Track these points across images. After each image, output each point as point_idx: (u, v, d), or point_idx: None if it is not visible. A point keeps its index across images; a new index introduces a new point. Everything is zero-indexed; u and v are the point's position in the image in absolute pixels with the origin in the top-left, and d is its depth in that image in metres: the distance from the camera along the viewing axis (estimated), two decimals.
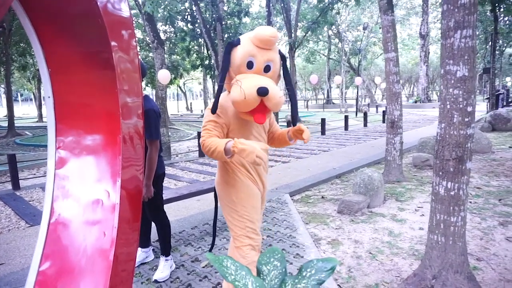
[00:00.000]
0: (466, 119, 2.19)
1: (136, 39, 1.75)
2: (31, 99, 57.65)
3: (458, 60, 2.14)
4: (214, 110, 1.93)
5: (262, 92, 1.79)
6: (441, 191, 2.34)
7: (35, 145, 14.19)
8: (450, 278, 2.28)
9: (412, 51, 37.68)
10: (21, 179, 6.42)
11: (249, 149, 1.68)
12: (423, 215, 3.95)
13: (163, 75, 9.65)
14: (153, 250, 3.23)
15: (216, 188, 2.19)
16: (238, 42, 1.95)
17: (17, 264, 3.09)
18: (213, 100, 2.00)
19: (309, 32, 20.05)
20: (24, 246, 3.48)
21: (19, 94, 60.42)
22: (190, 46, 19.89)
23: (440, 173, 2.33)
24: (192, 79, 40.04)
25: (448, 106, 2.23)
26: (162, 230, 2.77)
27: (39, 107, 29.39)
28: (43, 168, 8.68)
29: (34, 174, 8.06)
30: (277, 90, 1.89)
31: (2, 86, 26.08)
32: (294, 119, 2.17)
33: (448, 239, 2.32)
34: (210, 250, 2.57)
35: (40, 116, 28.76)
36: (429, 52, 27.40)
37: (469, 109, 2.19)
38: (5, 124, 19.58)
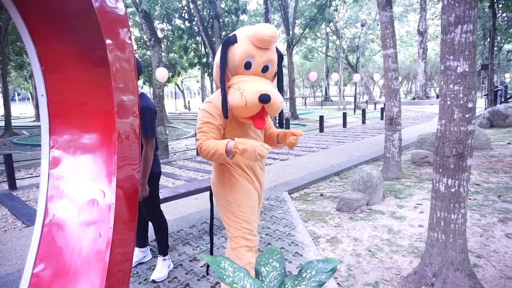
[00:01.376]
0: (467, 115, 2.17)
1: (132, 36, 1.72)
2: (28, 99, 57.39)
3: (459, 56, 2.11)
4: (226, 115, 1.84)
5: (264, 99, 1.74)
6: (441, 188, 2.31)
7: (32, 144, 14.11)
8: (451, 276, 2.27)
9: (410, 48, 37.70)
10: (17, 179, 6.37)
11: (251, 149, 1.63)
12: (422, 212, 3.93)
13: (161, 73, 9.59)
14: (151, 249, 3.20)
15: (212, 188, 2.13)
16: (235, 40, 1.84)
17: (13, 265, 3.06)
18: (207, 98, 1.94)
19: (307, 29, 20.00)
20: (21, 247, 3.45)
21: (16, 93, 60.16)
22: (188, 44, 19.82)
23: (441, 170, 2.31)
24: (190, 77, 39.94)
25: (449, 102, 2.20)
26: (159, 229, 2.74)
27: (36, 106, 29.22)
28: (40, 168, 8.62)
29: (31, 174, 8.01)
30: (278, 96, 1.84)
31: None
32: (280, 122, 2.13)
33: (449, 237, 2.30)
34: (211, 253, 2.52)
35: (37, 115, 28.62)
36: (427, 49, 27.41)
37: (470, 105, 2.16)
38: (2, 123, 19.50)
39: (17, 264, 3.06)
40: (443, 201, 2.31)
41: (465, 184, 2.26)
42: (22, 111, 50.79)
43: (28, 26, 1.59)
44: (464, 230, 2.32)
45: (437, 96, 29.66)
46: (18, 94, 65.30)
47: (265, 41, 1.81)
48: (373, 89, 42.37)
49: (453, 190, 2.26)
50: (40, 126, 1.74)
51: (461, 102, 2.16)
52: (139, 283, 2.67)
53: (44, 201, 1.65)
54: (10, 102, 17.95)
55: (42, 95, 1.67)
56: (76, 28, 1.58)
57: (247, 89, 1.77)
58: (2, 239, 3.70)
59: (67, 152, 1.69)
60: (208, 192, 4.84)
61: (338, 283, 2.56)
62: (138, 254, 2.98)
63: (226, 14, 16.16)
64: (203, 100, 30.11)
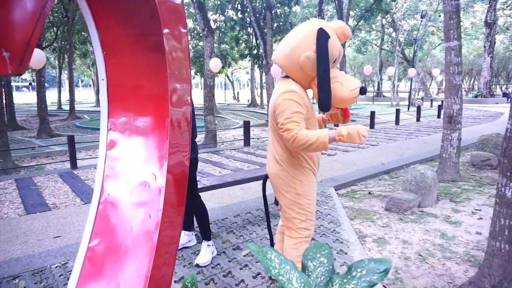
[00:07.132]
0: None
1: (187, 26, 1.75)
2: (90, 85, 61.55)
3: None
4: (329, 107, 1.91)
5: (364, 91, 1.92)
6: (508, 193, 2.11)
7: (92, 128, 15.16)
8: None
9: (475, 41, 34.90)
10: (78, 159, 6.87)
11: (354, 131, 1.79)
12: (481, 218, 3.64)
13: (214, 63, 9.75)
14: (196, 235, 3.29)
15: (276, 181, 2.09)
16: (328, 34, 1.88)
17: (71, 237, 3.30)
18: (283, 87, 1.92)
19: (362, 21, 19.26)
20: (79, 222, 3.71)
21: (79, 80, 64.79)
22: (239, 35, 19.96)
23: (508, 173, 2.10)
24: (240, 68, 40.34)
25: None
26: (199, 214, 2.81)
27: (97, 92, 31.31)
28: (98, 150, 9.22)
29: (90, 155, 8.60)
30: None
31: (66, 72, 28.03)
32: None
33: None
34: (271, 244, 2.48)
35: (98, 101, 30.68)
36: (495, 42, 25.16)
37: None
38: (67, 107, 21.13)
39: (75, 237, 3.30)
40: (509, 208, 2.11)
41: None
42: (84, 96, 54.64)
43: (93, 12, 1.67)
44: None
45: (504, 95, 27.25)
46: (82, 81, 70.28)
47: (348, 37, 1.99)
48: (430, 85, 39.99)
49: None
50: (100, 111, 1.82)
51: None
52: (184, 266, 2.75)
53: (100, 180, 1.73)
54: (74, 88, 19.37)
55: (103, 79, 1.75)
56: (135, 14, 1.62)
57: (348, 82, 1.91)
58: (64, 213, 4.01)
59: (123, 134, 1.76)
60: (253, 183, 4.88)
61: (384, 285, 2.46)
62: (183, 237, 3.07)
63: (279, 5, 16.00)
64: (252, 92, 30.35)
